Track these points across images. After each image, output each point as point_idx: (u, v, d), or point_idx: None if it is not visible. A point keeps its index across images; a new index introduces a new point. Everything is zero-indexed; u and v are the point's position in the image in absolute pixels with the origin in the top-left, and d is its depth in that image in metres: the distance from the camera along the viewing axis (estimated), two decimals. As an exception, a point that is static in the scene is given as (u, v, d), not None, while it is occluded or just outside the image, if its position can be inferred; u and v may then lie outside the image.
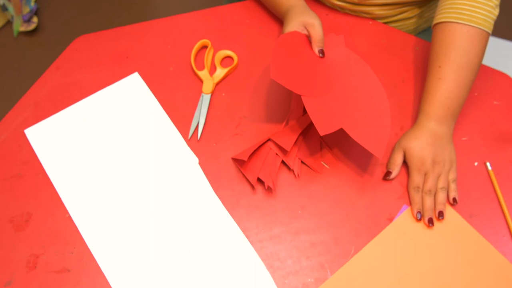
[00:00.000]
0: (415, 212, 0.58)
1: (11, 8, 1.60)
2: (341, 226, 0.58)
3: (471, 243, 0.57)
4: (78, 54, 0.76)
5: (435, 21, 0.64)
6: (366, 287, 0.54)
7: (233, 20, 0.80)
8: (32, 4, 1.65)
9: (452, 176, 0.59)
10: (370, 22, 0.78)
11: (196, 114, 0.67)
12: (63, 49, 0.77)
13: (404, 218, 0.58)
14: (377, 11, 0.76)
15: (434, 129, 0.60)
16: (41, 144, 0.66)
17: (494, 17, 0.61)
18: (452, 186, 0.59)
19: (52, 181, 0.63)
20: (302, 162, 0.63)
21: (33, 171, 0.64)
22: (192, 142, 0.66)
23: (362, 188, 0.61)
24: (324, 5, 0.80)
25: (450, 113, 0.60)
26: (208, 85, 0.70)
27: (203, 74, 0.71)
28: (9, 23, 1.69)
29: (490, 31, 0.61)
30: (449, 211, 0.59)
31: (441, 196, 0.58)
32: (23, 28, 1.64)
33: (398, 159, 0.61)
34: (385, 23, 0.80)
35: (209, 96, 0.69)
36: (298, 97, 0.68)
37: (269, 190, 0.61)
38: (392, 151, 0.63)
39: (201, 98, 0.69)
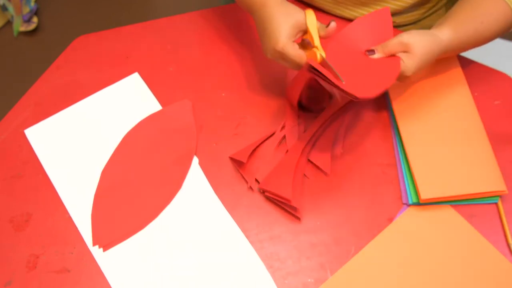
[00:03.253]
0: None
1: (11, 8, 1.60)
2: (341, 226, 0.58)
3: (472, 243, 0.56)
4: (78, 54, 0.76)
5: None
6: (366, 287, 0.54)
7: (233, 20, 0.80)
8: (32, 4, 1.65)
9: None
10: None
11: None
12: (63, 49, 0.77)
13: (404, 218, 0.58)
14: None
15: (439, 51, 0.59)
16: (41, 144, 0.66)
17: None
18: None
19: (52, 181, 0.63)
20: (309, 160, 0.63)
21: (33, 171, 0.64)
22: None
23: (362, 188, 0.61)
24: (322, 11, 0.79)
25: (450, 50, 0.61)
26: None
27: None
28: (9, 23, 1.69)
29: None
30: (450, 211, 0.59)
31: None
32: (23, 28, 1.64)
33: (392, 49, 0.58)
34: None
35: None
36: (293, 89, 0.66)
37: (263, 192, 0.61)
38: (392, 40, 0.58)
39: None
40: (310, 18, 0.58)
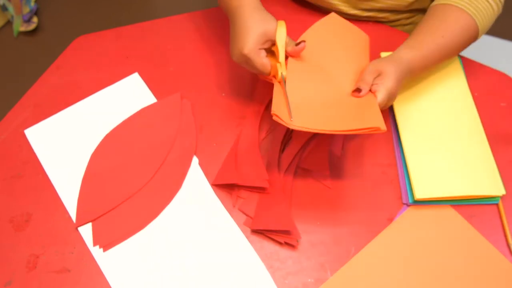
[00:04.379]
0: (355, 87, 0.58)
1: (11, 8, 1.60)
2: (341, 226, 0.58)
3: (472, 243, 0.56)
4: (78, 54, 0.76)
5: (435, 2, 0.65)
6: (366, 287, 0.54)
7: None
8: (32, 4, 1.65)
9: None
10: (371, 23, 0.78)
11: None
12: (63, 49, 0.77)
13: (404, 218, 0.58)
14: (378, 14, 0.77)
15: (405, 69, 0.59)
16: (41, 144, 0.66)
17: (491, 14, 0.63)
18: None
19: (52, 181, 0.63)
20: (301, 167, 0.63)
21: (33, 171, 0.64)
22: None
23: (362, 188, 0.61)
24: (319, 10, 0.79)
25: (415, 67, 0.61)
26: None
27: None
28: (9, 23, 1.69)
29: (479, 25, 0.63)
30: (450, 211, 0.59)
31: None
32: (23, 28, 1.64)
33: (370, 79, 0.58)
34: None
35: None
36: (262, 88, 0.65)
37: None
38: (366, 70, 0.59)
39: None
40: (280, 31, 0.57)
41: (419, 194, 0.58)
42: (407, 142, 0.62)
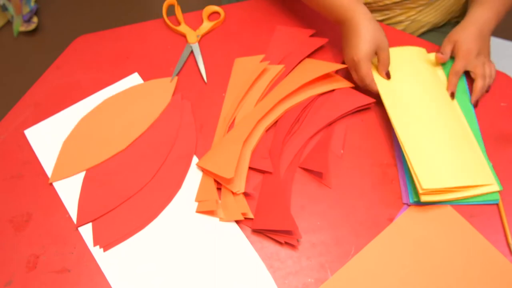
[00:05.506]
0: (449, 92, 0.67)
1: (11, 8, 1.60)
2: (341, 226, 0.58)
3: (471, 243, 0.56)
4: (78, 54, 0.76)
5: None
6: (366, 287, 0.54)
7: (233, 20, 0.80)
8: (32, 4, 1.65)
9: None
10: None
11: (180, 63, 0.73)
12: (63, 49, 0.77)
13: (405, 218, 0.58)
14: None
15: (482, 25, 0.68)
16: (41, 145, 0.66)
17: None
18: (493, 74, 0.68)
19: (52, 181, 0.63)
20: (301, 167, 0.63)
21: (33, 171, 0.64)
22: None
23: (362, 188, 0.61)
24: None
25: (495, 22, 0.69)
26: (191, 35, 0.76)
27: (182, 27, 0.77)
28: (9, 23, 1.69)
29: None
30: (450, 211, 0.59)
31: (486, 82, 0.68)
32: (23, 28, 1.64)
33: (448, 51, 0.68)
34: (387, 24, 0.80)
35: (196, 45, 0.74)
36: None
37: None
38: (443, 44, 0.69)
39: (186, 49, 0.75)
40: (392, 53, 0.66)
41: (426, 185, 0.56)
42: (404, 138, 0.61)
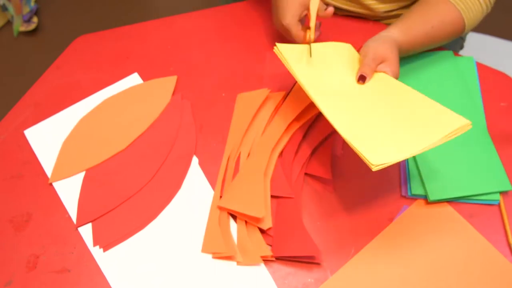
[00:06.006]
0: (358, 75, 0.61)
1: (11, 8, 1.60)
2: (341, 226, 0.58)
3: (472, 243, 0.56)
4: (78, 54, 0.76)
5: None
6: (366, 287, 0.54)
7: (233, 20, 0.80)
8: (32, 4, 1.65)
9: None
10: (371, 23, 0.78)
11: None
12: (63, 49, 0.77)
13: (404, 218, 0.58)
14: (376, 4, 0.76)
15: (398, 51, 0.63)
16: (41, 145, 0.66)
17: (480, 13, 0.67)
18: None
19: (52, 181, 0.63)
20: (306, 174, 0.62)
21: (33, 171, 0.64)
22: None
23: (362, 188, 0.61)
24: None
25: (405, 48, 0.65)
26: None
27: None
28: (9, 23, 1.69)
29: (466, 22, 0.66)
30: (450, 211, 0.59)
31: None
32: (23, 28, 1.64)
33: (374, 66, 0.61)
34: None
35: None
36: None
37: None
38: (367, 57, 0.61)
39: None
40: (314, 1, 0.66)
41: (374, 161, 0.51)
42: (337, 122, 0.55)
